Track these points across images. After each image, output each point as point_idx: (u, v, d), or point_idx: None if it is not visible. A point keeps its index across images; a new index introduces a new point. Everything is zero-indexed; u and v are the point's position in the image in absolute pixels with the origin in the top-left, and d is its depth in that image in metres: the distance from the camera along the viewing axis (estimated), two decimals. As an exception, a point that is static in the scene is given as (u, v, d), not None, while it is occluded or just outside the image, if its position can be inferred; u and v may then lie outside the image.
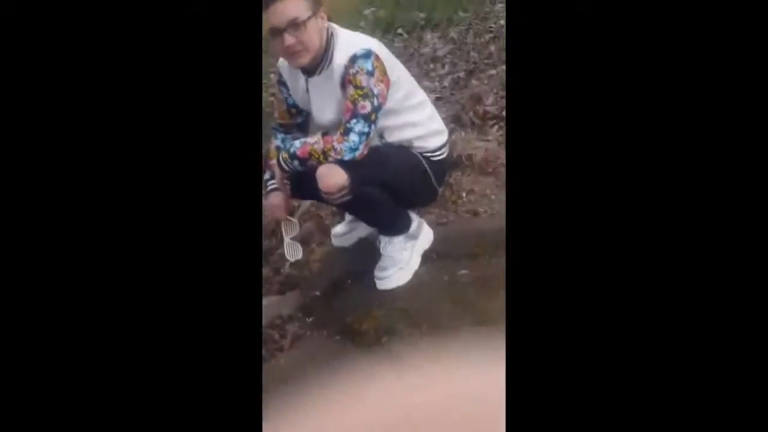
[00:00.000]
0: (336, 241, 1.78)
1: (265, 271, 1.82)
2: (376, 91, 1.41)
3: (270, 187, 1.55)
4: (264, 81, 2.81)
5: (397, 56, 2.96)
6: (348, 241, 1.76)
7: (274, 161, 1.51)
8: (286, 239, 1.57)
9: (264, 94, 2.88)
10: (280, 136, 1.62)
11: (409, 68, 2.62)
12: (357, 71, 1.41)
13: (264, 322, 1.60)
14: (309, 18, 1.40)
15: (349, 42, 1.47)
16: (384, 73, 1.44)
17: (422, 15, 2.99)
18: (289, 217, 1.57)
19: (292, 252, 1.58)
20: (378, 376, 0.81)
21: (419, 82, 2.52)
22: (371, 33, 2.96)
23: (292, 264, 1.69)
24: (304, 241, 1.80)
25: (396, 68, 1.54)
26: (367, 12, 3.11)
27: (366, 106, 1.40)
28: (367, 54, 1.42)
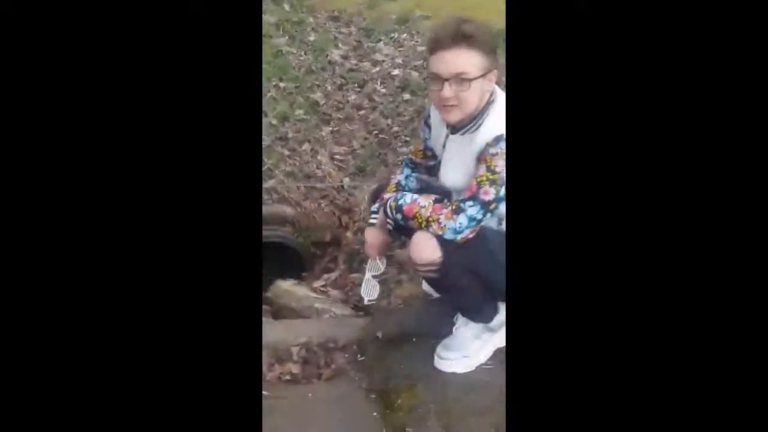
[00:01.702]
0: (426, 286, 1.70)
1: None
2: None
3: (371, 220, 1.50)
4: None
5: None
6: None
7: (388, 196, 1.44)
8: (367, 275, 1.53)
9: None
10: (407, 171, 1.53)
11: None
12: (497, 153, 1.26)
13: (319, 339, 1.63)
14: (477, 78, 1.26)
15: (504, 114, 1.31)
16: None
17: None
18: (379, 259, 1.52)
19: (369, 291, 1.53)
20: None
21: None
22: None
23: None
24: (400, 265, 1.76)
25: None
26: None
27: (489, 193, 1.27)
28: None
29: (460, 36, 1.28)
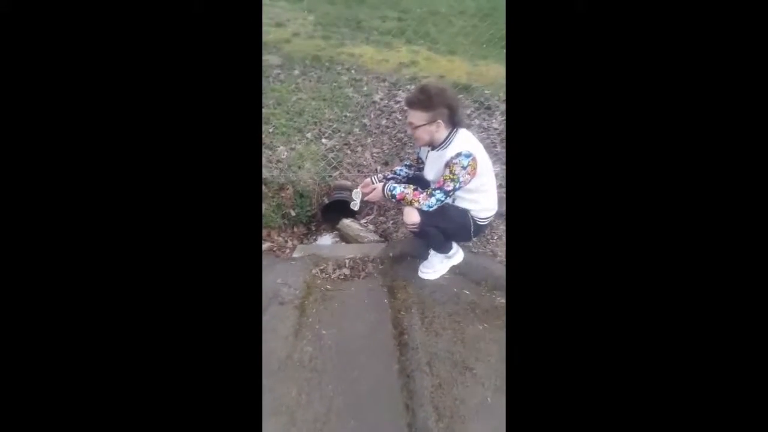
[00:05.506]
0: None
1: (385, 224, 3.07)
2: (461, 180, 2.15)
3: (376, 184, 2.51)
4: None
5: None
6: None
7: (388, 173, 2.58)
8: (355, 191, 2.55)
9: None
10: (403, 165, 2.62)
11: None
12: (456, 162, 2.13)
13: (360, 255, 2.77)
14: (422, 125, 2.22)
15: (463, 140, 2.22)
16: (474, 169, 2.14)
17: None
18: (359, 190, 2.52)
19: (356, 203, 2.54)
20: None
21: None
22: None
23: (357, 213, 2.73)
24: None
25: (485, 164, 2.26)
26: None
27: (450, 186, 2.20)
28: (468, 155, 2.11)
29: (412, 101, 2.20)
